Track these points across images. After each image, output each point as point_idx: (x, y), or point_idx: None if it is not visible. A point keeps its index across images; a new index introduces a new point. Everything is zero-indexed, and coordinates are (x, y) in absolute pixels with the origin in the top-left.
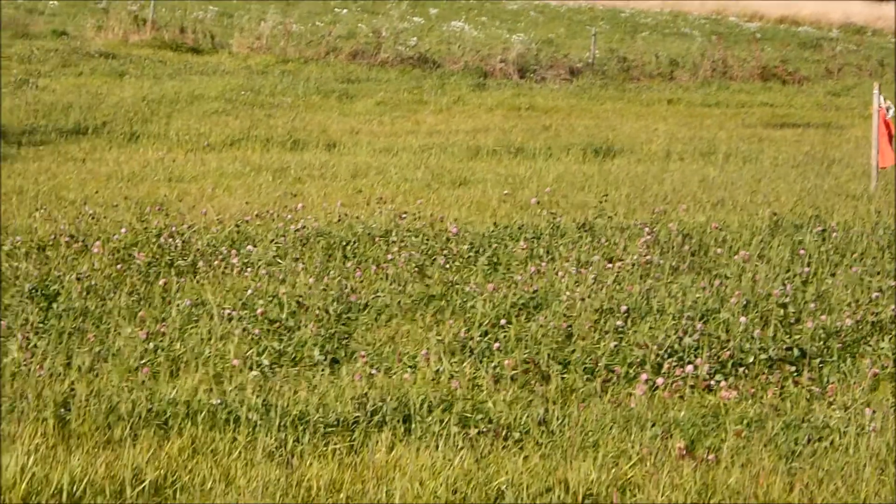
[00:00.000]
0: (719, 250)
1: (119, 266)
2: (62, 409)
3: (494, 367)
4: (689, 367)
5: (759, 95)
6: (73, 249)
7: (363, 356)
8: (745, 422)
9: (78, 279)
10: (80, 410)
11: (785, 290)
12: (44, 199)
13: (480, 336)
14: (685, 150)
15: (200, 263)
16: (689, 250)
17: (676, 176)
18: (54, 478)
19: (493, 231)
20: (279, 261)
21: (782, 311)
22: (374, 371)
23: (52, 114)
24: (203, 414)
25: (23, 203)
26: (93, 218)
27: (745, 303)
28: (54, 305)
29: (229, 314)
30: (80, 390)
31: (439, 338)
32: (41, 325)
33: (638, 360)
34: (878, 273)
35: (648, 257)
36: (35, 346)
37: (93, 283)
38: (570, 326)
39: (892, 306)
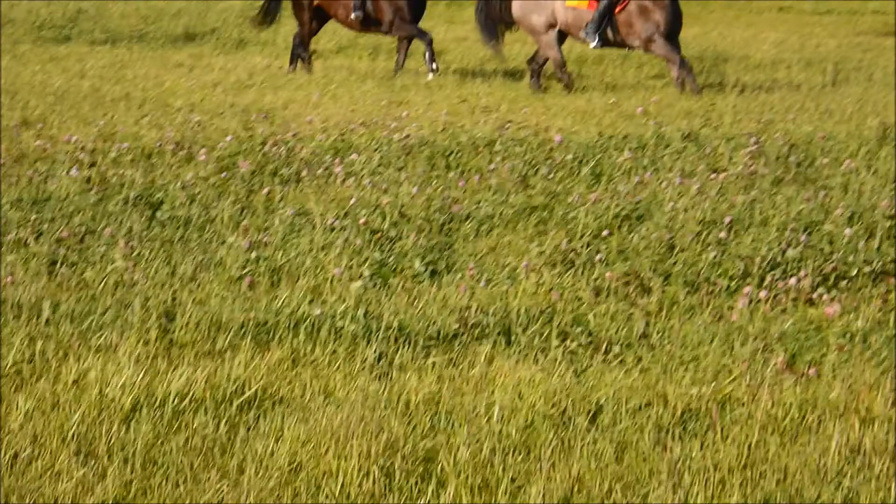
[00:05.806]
0: (825, 161)
1: (223, 174)
2: (164, 319)
3: (596, 280)
4: (793, 280)
5: (870, 3)
6: (179, 157)
7: (470, 269)
8: (847, 336)
9: (182, 187)
10: (183, 320)
11: (892, 202)
12: (151, 107)
13: (582, 247)
14: (794, 58)
15: (304, 172)
16: (794, 161)
17: (784, 85)
18: (158, 390)
19: (597, 141)
20: (382, 170)
21: (888, 223)
22: (478, 283)
23: (161, 20)
24: (304, 325)
25: (129, 110)
26: (198, 125)
27: (850, 214)
28: (158, 213)
29: (332, 224)
30: (183, 300)
31: (541, 249)
32: (145, 234)
33: (740, 272)
34: None
35: (753, 168)
36: (139, 254)
37: (197, 191)
38: (673, 238)
39: None
